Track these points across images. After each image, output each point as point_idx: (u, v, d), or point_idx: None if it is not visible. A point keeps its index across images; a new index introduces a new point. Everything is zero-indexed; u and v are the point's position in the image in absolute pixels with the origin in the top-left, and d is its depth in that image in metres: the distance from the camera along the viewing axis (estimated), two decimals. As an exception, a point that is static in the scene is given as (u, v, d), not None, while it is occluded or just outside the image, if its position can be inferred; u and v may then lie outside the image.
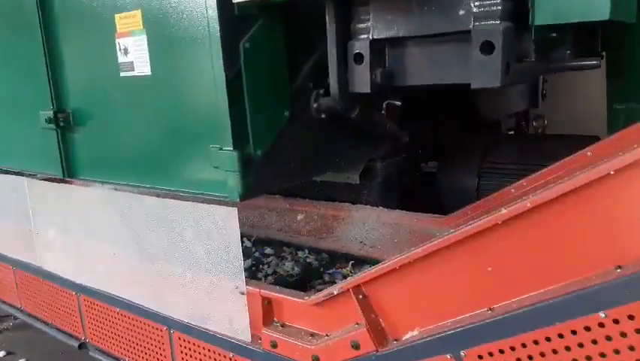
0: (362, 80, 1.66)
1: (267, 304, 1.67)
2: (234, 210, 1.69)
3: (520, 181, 1.96)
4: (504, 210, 1.15)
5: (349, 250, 2.31)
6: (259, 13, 1.69)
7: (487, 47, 1.41)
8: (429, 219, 2.22)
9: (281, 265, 2.33)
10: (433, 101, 2.76)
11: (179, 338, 1.97)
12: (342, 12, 1.67)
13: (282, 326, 1.65)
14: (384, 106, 2.23)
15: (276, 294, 1.64)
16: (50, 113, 2.24)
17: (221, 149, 1.72)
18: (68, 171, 2.34)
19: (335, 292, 1.45)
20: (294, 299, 1.59)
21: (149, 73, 1.91)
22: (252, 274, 2.21)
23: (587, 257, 1.12)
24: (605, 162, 1.07)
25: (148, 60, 1.90)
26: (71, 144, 2.32)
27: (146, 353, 2.14)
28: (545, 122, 3.11)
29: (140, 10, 1.88)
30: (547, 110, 3.39)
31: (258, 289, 1.67)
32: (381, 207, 2.39)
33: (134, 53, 1.93)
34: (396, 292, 1.36)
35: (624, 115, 2.14)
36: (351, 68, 1.68)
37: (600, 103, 2.34)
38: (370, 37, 1.64)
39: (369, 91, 1.66)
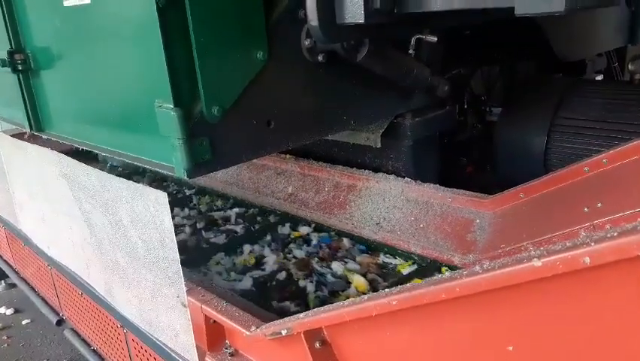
0: (353, 3, 1.10)
1: (214, 323, 1.25)
2: (163, 196, 1.24)
3: (600, 156, 1.35)
4: (537, 263, 0.59)
5: (361, 233, 1.82)
6: None
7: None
8: (467, 198, 1.66)
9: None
10: (494, 34, 2.09)
11: (133, 341, 1.63)
12: None
13: (232, 354, 1.23)
14: (412, 43, 1.63)
15: (220, 316, 1.20)
16: (4, 54, 1.86)
17: (161, 106, 1.25)
18: (35, 125, 1.99)
19: (283, 333, 0.99)
20: (240, 329, 1.14)
21: (88, 0, 1.45)
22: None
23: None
24: None
25: (86, -17, 1.44)
26: (36, 91, 1.96)
27: (109, 347, 1.83)
28: (647, 65, 2.35)
29: None
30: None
31: (200, 305, 1.25)
32: (407, 179, 1.85)
33: (72, -26, 1.47)
34: (373, 346, 0.88)
35: None
36: (338, -14, 1.12)
37: None
38: None
39: (362, 21, 1.10)
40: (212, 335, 1.25)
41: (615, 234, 0.51)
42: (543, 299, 0.60)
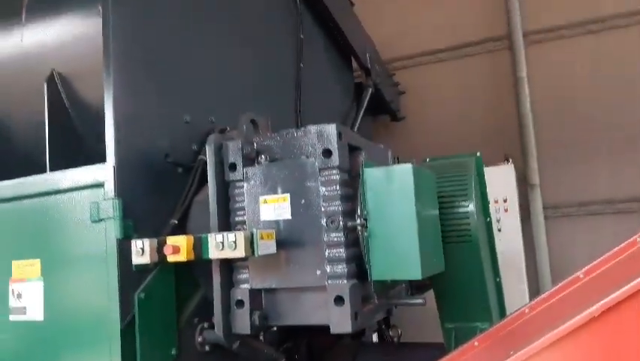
0: (243, 322, 1.97)
1: None
2: None
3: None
4: None
5: None
6: (154, 266, 1.98)
7: (339, 300, 1.84)
8: None
9: None
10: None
11: None
12: (226, 266, 2.04)
13: None
14: (261, 333, 2.51)
15: None
16: None
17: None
18: None
19: None
20: None
21: (42, 318, 2.02)
22: None
23: None
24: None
25: (42, 306, 2.03)
26: None
27: None
28: (400, 331, 3.60)
29: (39, 260, 2.07)
30: (401, 320, 3.86)
31: None
32: None
33: (28, 298, 2.06)
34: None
35: (454, 332, 2.67)
36: (233, 312, 2.00)
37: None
38: (250, 286, 2.00)
39: (249, 332, 1.97)
40: None
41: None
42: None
